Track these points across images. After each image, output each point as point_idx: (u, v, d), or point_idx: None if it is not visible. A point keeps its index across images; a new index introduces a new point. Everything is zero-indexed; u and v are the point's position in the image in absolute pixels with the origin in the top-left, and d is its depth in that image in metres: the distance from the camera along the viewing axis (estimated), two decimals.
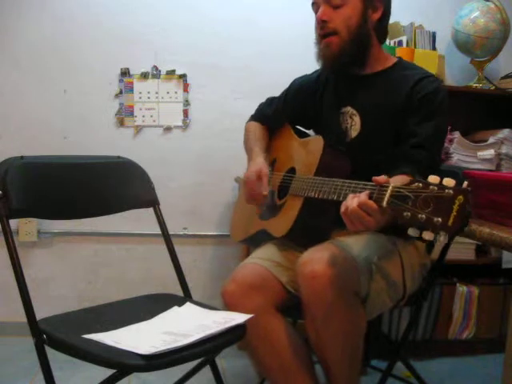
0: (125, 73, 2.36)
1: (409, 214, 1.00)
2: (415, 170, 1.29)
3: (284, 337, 1.35)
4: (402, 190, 1.02)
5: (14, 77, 2.32)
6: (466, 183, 0.97)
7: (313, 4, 1.50)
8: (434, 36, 2.35)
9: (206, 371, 1.49)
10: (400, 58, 1.56)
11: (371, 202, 1.09)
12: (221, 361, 2.08)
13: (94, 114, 2.36)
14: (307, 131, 1.74)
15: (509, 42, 2.35)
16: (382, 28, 1.52)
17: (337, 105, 1.55)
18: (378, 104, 1.47)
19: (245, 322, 1.23)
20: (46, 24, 2.30)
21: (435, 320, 2.29)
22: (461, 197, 0.95)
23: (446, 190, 0.96)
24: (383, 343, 2.02)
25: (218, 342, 1.18)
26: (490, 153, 2.28)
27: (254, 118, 1.80)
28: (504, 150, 2.29)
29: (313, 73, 1.67)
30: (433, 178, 0.99)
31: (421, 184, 1.00)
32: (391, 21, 2.33)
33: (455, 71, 2.53)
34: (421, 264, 1.52)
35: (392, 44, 2.31)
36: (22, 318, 1.20)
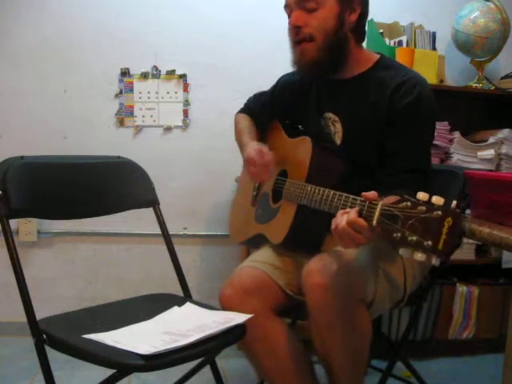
0: (125, 73, 2.36)
1: (399, 234, 0.97)
2: (412, 193, 1.27)
3: (282, 339, 1.35)
4: (391, 209, 1.00)
5: (14, 77, 2.32)
6: (454, 203, 0.94)
7: (285, 7, 1.42)
8: (434, 36, 2.35)
9: (206, 371, 1.49)
10: (381, 56, 1.47)
11: (360, 220, 1.07)
12: (221, 361, 2.07)
13: (94, 113, 2.36)
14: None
15: (509, 42, 2.35)
16: (360, 28, 1.43)
17: (319, 109, 1.51)
18: (358, 112, 1.42)
19: (244, 322, 1.23)
20: (46, 24, 2.30)
21: (435, 320, 2.29)
22: (450, 219, 0.92)
23: (435, 212, 0.93)
24: (383, 343, 2.02)
25: (218, 342, 1.18)
26: (489, 153, 2.28)
27: (242, 111, 1.77)
28: (504, 150, 2.29)
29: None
30: (422, 195, 0.97)
31: (409, 203, 0.97)
32: (391, 20, 2.37)
33: (455, 71, 2.53)
34: (421, 263, 1.51)
35: (392, 44, 2.31)
36: (22, 317, 1.20)
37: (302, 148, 1.46)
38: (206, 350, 1.16)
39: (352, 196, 1.15)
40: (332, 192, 1.24)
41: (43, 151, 1.54)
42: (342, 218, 1.10)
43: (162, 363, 1.07)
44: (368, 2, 1.43)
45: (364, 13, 1.41)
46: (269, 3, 2.40)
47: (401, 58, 2.20)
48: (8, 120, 2.33)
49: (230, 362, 2.12)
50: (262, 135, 1.72)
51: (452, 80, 2.53)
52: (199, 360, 1.46)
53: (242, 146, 1.63)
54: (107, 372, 1.11)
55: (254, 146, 1.51)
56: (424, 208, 0.95)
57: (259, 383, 1.81)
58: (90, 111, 2.36)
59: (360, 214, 1.08)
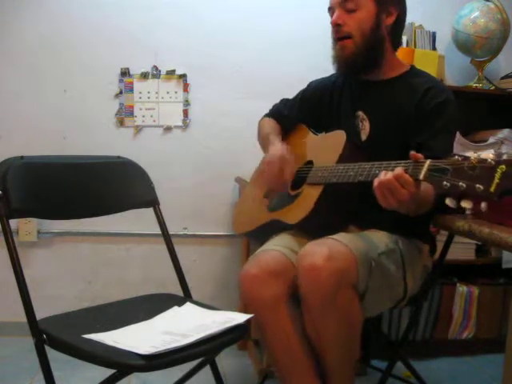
0: (125, 73, 2.36)
1: (448, 183, 1.03)
2: None
3: (296, 326, 1.35)
4: (439, 164, 1.06)
5: (14, 77, 2.32)
6: (506, 155, 0.98)
7: (329, 9, 1.53)
8: (434, 36, 2.35)
9: (206, 371, 1.49)
10: (412, 66, 1.58)
11: (407, 175, 1.14)
12: (221, 361, 2.07)
13: (94, 114, 2.36)
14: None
15: (509, 42, 2.35)
16: (396, 34, 1.54)
17: (352, 108, 1.57)
18: (386, 112, 1.49)
19: (245, 322, 1.23)
20: (46, 24, 2.30)
21: (435, 320, 2.29)
22: (503, 166, 0.97)
23: (488, 160, 0.98)
24: (383, 343, 2.02)
25: (218, 342, 1.18)
26: (489, 153, 2.27)
27: (268, 115, 1.80)
28: (504, 150, 2.29)
29: (330, 76, 1.68)
30: (470, 153, 1.02)
31: (460, 158, 1.03)
32: None
33: (455, 71, 2.53)
34: (423, 265, 1.52)
35: None
36: (22, 318, 1.20)
37: (335, 139, 1.49)
38: (206, 350, 1.16)
39: (393, 161, 1.20)
40: (370, 163, 1.28)
41: (43, 151, 1.54)
42: (387, 174, 1.16)
43: (161, 363, 1.07)
44: (405, 9, 1.54)
45: (401, 19, 1.52)
46: (268, 5, 2.40)
47: (401, 58, 2.18)
48: (8, 120, 2.32)
49: (230, 361, 2.12)
50: (285, 136, 1.75)
51: (452, 80, 2.53)
52: (199, 360, 1.46)
53: (266, 144, 1.66)
54: (107, 372, 1.11)
55: (277, 148, 1.55)
56: (476, 160, 1.00)
57: (259, 383, 1.81)
58: (90, 111, 2.36)
59: (406, 171, 1.14)
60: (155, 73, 2.38)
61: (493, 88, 2.37)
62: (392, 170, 1.17)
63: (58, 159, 1.49)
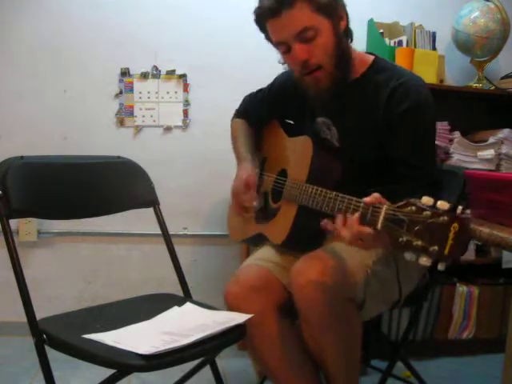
0: (125, 73, 2.36)
1: (404, 239, 0.98)
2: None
3: (287, 338, 1.35)
4: (396, 213, 1.00)
5: (14, 77, 2.32)
6: (460, 208, 0.94)
7: (279, 44, 1.37)
8: (434, 36, 2.35)
9: (206, 371, 1.49)
10: (375, 58, 1.44)
11: (364, 229, 1.07)
12: (221, 361, 2.07)
13: (94, 114, 2.36)
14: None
15: (509, 42, 2.35)
16: (349, 29, 1.40)
17: (312, 114, 1.50)
18: (353, 117, 1.41)
19: (245, 321, 1.23)
20: (46, 24, 2.30)
21: (435, 320, 2.29)
22: (456, 224, 0.92)
23: (441, 218, 0.93)
24: (383, 343, 2.02)
25: (218, 342, 1.18)
26: (489, 153, 2.28)
27: (238, 114, 1.78)
28: (504, 149, 2.29)
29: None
30: (426, 200, 0.96)
31: (414, 207, 0.97)
32: (391, 20, 2.37)
33: (455, 71, 2.53)
34: (417, 263, 1.50)
35: (392, 44, 2.31)
36: (22, 318, 1.20)
37: (303, 147, 1.45)
38: (206, 350, 1.16)
39: (355, 198, 1.14)
40: (334, 193, 1.22)
41: (43, 151, 1.54)
42: (346, 232, 1.11)
43: (161, 363, 1.07)
44: (345, 4, 1.39)
45: (347, 15, 1.39)
46: None
47: (401, 57, 2.20)
48: (8, 120, 2.32)
49: (230, 361, 2.12)
50: (260, 135, 1.73)
51: (452, 80, 2.53)
52: (199, 360, 1.46)
53: (237, 157, 1.68)
54: (107, 372, 1.11)
55: (243, 173, 1.54)
56: (429, 213, 0.95)
57: (259, 383, 1.81)
58: (90, 111, 2.36)
59: (364, 218, 1.08)
60: (155, 73, 2.38)
61: (493, 88, 2.37)
62: (354, 209, 1.11)
63: (58, 159, 1.50)
